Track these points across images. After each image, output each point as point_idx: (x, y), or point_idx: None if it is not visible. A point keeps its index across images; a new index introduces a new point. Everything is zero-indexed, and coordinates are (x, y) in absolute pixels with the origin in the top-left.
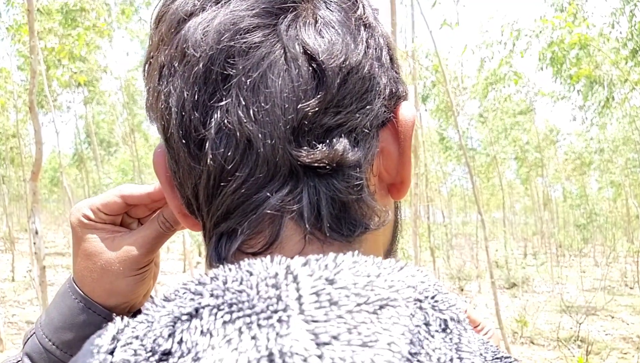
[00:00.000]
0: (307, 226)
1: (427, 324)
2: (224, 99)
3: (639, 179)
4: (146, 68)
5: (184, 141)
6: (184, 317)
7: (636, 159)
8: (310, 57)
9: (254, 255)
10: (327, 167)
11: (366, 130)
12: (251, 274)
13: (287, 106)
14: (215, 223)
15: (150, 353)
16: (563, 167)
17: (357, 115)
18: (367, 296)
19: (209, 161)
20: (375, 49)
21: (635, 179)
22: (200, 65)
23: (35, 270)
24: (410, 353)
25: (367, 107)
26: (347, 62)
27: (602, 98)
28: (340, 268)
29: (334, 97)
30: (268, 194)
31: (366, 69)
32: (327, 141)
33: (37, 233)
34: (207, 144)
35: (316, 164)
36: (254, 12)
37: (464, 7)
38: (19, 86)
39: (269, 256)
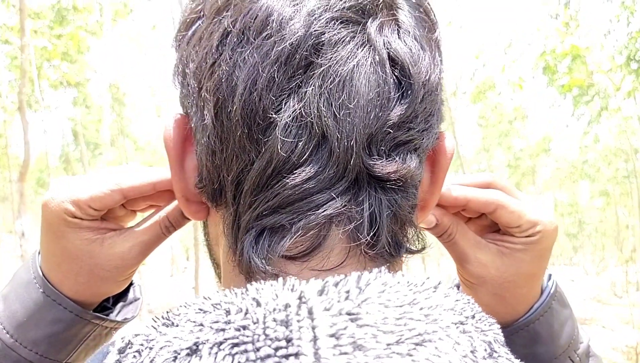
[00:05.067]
0: (367, 238)
1: (473, 351)
2: (303, 86)
3: (628, 189)
4: (190, 28)
5: (246, 121)
6: (183, 352)
7: (625, 168)
8: (398, 67)
9: (291, 259)
10: (399, 181)
11: (426, 151)
12: (258, 304)
13: (369, 109)
14: (259, 214)
15: None
16: (555, 175)
17: (423, 135)
18: (400, 333)
19: (278, 148)
20: (442, 72)
21: (625, 189)
22: (287, 44)
23: None
24: None
25: (430, 129)
26: (430, 81)
27: (593, 108)
28: (365, 296)
29: (412, 112)
30: (333, 195)
31: (437, 91)
32: (399, 155)
33: (23, 234)
34: (276, 130)
35: (388, 177)
36: (347, 4)
37: (462, 11)
38: (8, 85)
39: (280, 280)
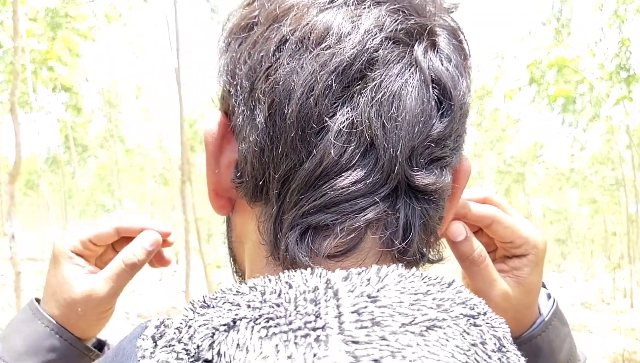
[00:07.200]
0: (401, 244)
1: (483, 343)
2: (356, 96)
3: (616, 197)
4: (242, 33)
5: (301, 123)
6: (222, 328)
7: (613, 176)
8: (440, 88)
9: (329, 257)
10: (434, 194)
11: (453, 169)
12: (290, 286)
13: (414, 124)
14: (304, 212)
15: (193, 359)
16: (545, 182)
17: (453, 153)
18: (414, 316)
19: (330, 151)
20: (471, 98)
21: (613, 197)
22: (345, 56)
23: (11, 274)
24: None
25: (458, 149)
26: (466, 104)
27: (583, 117)
28: (384, 284)
29: (449, 131)
30: (377, 199)
31: (467, 115)
32: (435, 169)
33: (13, 237)
34: (329, 134)
35: (426, 188)
36: (398, 27)
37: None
38: None
39: (309, 269)
